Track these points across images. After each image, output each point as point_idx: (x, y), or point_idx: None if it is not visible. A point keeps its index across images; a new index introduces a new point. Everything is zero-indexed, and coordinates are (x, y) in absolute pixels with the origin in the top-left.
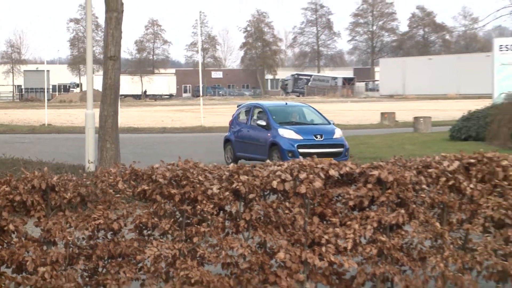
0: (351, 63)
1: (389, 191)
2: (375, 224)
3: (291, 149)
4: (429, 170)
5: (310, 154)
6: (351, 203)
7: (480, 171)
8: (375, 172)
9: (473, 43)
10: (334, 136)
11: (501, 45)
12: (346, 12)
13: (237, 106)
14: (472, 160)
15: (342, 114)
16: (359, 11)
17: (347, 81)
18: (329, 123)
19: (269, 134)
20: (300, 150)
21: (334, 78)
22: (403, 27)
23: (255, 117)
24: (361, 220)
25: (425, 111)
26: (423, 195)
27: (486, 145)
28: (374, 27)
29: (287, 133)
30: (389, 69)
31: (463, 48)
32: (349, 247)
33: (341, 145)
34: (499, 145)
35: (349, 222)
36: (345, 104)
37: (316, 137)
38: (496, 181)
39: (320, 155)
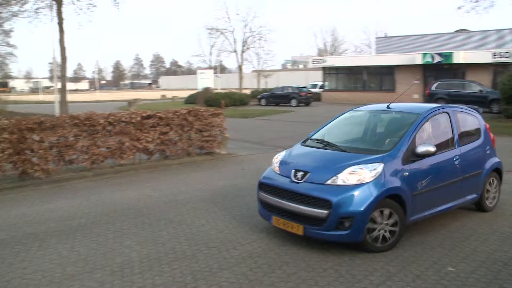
0: None
1: (170, 121)
2: (159, 132)
3: None
4: (182, 112)
5: None
6: (150, 124)
7: (194, 113)
8: (158, 114)
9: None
10: None
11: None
12: None
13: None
14: (190, 109)
15: None
16: None
17: None
18: None
19: None
20: None
21: None
22: None
23: None
24: (154, 130)
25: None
26: (175, 121)
27: (197, 105)
28: None
29: None
30: None
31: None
32: (150, 140)
33: None
34: (200, 105)
35: (151, 132)
36: None
37: None
38: (199, 116)
39: None
